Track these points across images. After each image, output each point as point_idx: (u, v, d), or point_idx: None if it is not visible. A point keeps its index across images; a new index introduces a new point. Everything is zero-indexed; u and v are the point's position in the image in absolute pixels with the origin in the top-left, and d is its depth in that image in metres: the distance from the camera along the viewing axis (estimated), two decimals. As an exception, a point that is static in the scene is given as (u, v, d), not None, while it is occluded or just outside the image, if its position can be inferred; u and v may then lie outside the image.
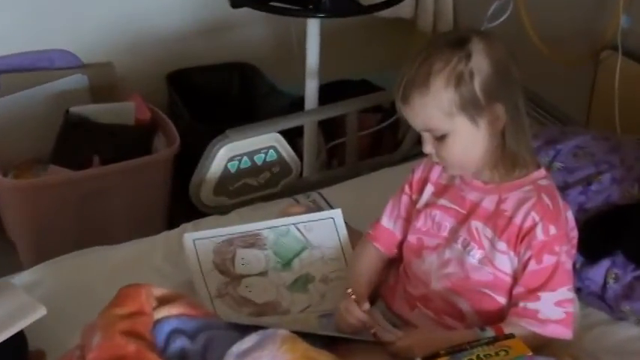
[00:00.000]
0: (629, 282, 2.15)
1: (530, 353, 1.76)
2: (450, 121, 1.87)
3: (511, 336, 1.81)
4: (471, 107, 1.86)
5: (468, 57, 1.86)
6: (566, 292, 1.92)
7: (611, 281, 2.16)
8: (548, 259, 1.91)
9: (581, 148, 2.41)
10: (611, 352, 2.07)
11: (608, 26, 2.92)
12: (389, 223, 2.16)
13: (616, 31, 2.83)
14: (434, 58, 1.86)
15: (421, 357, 1.75)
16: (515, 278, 1.94)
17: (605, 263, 2.18)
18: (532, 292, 1.91)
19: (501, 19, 3.07)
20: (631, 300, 2.13)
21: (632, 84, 2.79)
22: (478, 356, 1.73)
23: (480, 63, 1.86)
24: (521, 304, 1.92)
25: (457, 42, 1.88)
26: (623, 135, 2.68)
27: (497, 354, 1.74)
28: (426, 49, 1.90)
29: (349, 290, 2.01)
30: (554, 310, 1.91)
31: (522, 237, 1.92)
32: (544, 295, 1.90)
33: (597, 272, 2.18)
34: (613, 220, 2.20)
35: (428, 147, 1.93)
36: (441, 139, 1.90)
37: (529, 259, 1.91)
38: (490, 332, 1.88)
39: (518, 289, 1.93)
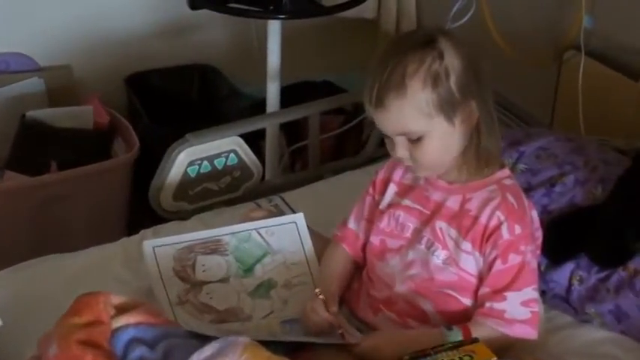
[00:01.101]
0: (594, 284, 2.15)
1: (495, 358, 1.75)
2: (427, 122, 1.86)
3: (476, 340, 1.81)
4: (447, 106, 1.85)
5: (441, 56, 1.85)
6: (531, 292, 1.93)
7: (575, 283, 2.16)
8: (514, 259, 1.91)
9: (544, 150, 2.41)
10: (576, 355, 2.06)
11: (571, 26, 2.93)
12: (354, 224, 2.16)
13: (579, 31, 2.84)
14: (407, 60, 1.84)
15: None
16: (481, 279, 1.95)
17: (570, 265, 2.18)
18: (498, 293, 1.91)
19: (464, 20, 3.07)
20: (595, 302, 2.13)
21: (595, 84, 2.80)
22: None
23: (452, 61, 1.85)
24: (487, 305, 1.92)
25: (426, 42, 1.87)
26: (587, 136, 2.69)
27: (461, 359, 1.73)
28: (394, 50, 1.88)
29: (317, 290, 2.00)
30: (520, 310, 1.91)
31: (488, 236, 1.92)
32: (510, 295, 1.90)
33: (562, 274, 2.18)
34: (577, 222, 2.20)
35: (401, 151, 1.91)
36: (416, 141, 1.88)
37: (495, 259, 1.91)
38: (457, 331, 1.88)
39: (484, 290, 1.93)
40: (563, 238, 2.13)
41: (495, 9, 3.10)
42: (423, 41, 1.87)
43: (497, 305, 1.90)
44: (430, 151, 1.89)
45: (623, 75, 2.78)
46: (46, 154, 3.22)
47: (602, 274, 2.14)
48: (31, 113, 3.29)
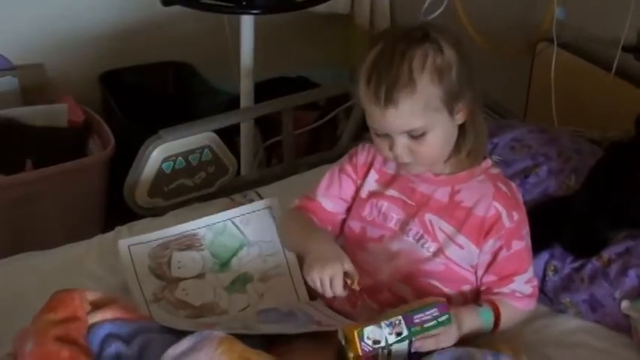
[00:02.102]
0: (568, 273, 2.16)
1: (444, 300, 1.83)
2: (433, 117, 1.85)
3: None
4: (451, 99, 1.86)
5: (441, 49, 1.84)
6: (531, 270, 2.03)
7: (550, 273, 2.18)
8: (517, 245, 1.97)
9: (517, 141, 2.42)
10: (552, 345, 2.08)
11: (544, 18, 2.94)
12: (326, 202, 2.13)
13: (551, 23, 2.85)
14: (410, 55, 1.82)
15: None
16: (475, 269, 1.99)
17: (544, 255, 2.19)
18: (505, 278, 1.98)
19: (437, 12, 3.08)
20: (570, 292, 2.15)
21: (567, 76, 2.82)
22: (394, 312, 1.78)
23: (450, 53, 1.85)
24: (496, 290, 1.98)
25: (421, 36, 1.85)
26: (560, 127, 2.70)
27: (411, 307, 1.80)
28: (392, 47, 1.85)
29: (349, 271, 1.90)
30: (525, 288, 2.01)
31: (488, 228, 1.95)
32: (517, 278, 1.98)
33: (536, 265, 2.18)
34: (550, 212, 2.21)
35: (400, 149, 1.89)
36: (419, 137, 1.87)
37: (500, 248, 1.96)
38: (487, 308, 1.96)
39: (490, 277, 1.99)
40: (537, 228, 2.13)
41: (468, 2, 3.11)
42: (418, 36, 1.85)
43: (506, 289, 1.98)
44: (432, 145, 1.89)
45: (595, 66, 2.79)
46: (21, 152, 3.21)
47: (577, 264, 2.16)
48: (5, 112, 3.29)
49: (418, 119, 1.85)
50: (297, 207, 2.16)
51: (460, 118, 1.91)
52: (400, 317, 1.76)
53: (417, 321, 1.77)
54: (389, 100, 1.82)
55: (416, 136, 1.87)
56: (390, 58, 1.83)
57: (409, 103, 1.82)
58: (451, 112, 1.87)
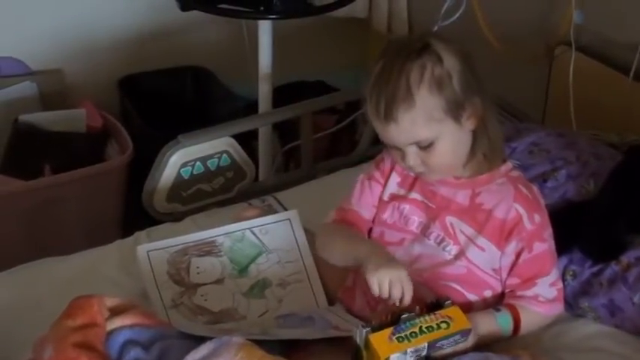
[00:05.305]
0: (587, 278, 2.15)
1: (470, 327, 1.82)
2: (438, 128, 1.86)
3: (450, 304, 1.84)
4: (454, 108, 1.86)
5: (440, 59, 1.85)
6: (556, 272, 2.03)
7: (569, 278, 2.16)
8: (539, 247, 1.97)
9: (536, 145, 2.42)
10: (570, 350, 2.06)
11: (562, 22, 2.93)
12: (363, 211, 2.12)
13: (569, 26, 2.84)
14: (408, 69, 1.84)
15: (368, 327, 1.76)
16: (497, 273, 1.99)
17: (563, 260, 2.17)
18: (528, 281, 1.98)
19: (455, 17, 3.07)
20: (589, 296, 2.13)
21: (586, 79, 2.80)
22: (420, 328, 1.77)
23: (451, 62, 1.86)
24: (519, 293, 1.99)
25: (420, 47, 1.86)
26: (579, 131, 2.69)
27: (438, 326, 1.79)
28: (392, 61, 1.87)
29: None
30: (549, 291, 2.01)
31: (509, 231, 1.96)
32: (540, 281, 1.99)
33: (555, 269, 2.17)
34: (569, 216, 2.20)
35: (412, 160, 1.91)
36: (428, 147, 1.89)
37: (521, 250, 1.96)
38: (506, 313, 1.97)
39: (513, 280, 1.99)
40: (556, 233, 2.13)
41: (486, 6, 3.10)
42: (418, 48, 1.86)
43: (529, 292, 1.98)
44: (442, 154, 1.90)
45: (614, 70, 2.78)
46: (40, 157, 3.22)
47: (596, 269, 2.14)
48: (24, 117, 3.30)
49: (422, 131, 1.86)
50: (334, 220, 2.16)
51: (470, 124, 1.92)
52: (426, 344, 1.77)
53: (438, 345, 1.79)
54: (389, 115, 1.84)
55: (424, 146, 1.89)
56: (388, 73, 1.85)
57: (409, 118, 1.84)
58: (457, 119, 1.88)
